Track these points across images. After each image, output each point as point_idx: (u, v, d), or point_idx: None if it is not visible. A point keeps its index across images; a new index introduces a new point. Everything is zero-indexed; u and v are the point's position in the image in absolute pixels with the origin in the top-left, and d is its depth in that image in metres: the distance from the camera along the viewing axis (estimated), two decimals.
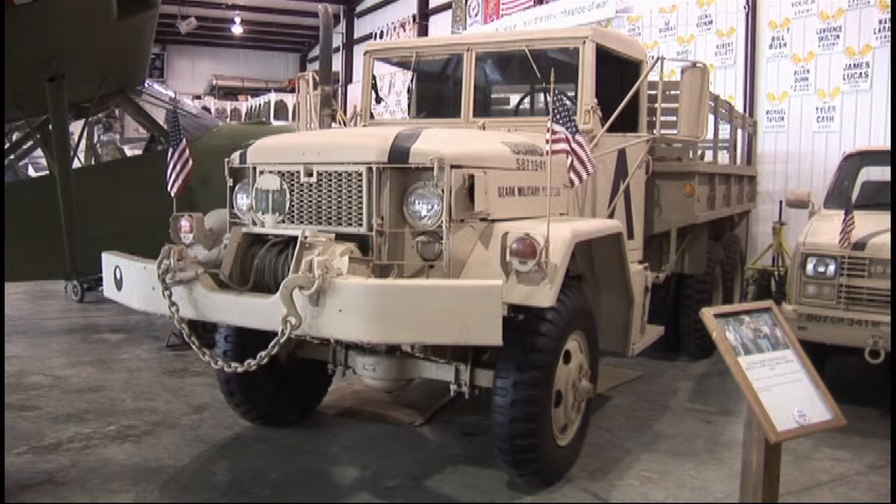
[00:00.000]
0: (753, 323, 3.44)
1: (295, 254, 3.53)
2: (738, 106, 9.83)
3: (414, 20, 19.24)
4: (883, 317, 4.93)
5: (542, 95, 6.54)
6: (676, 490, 4.18)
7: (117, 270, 4.21)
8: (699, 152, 7.21)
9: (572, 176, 4.00)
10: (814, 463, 4.57)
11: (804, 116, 9.76)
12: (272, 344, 3.46)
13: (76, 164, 8.51)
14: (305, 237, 3.59)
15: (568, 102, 5.33)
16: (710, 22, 10.93)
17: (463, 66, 5.43)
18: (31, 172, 11.71)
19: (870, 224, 5.30)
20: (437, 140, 3.95)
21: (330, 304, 3.32)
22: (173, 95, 11.95)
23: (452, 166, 3.75)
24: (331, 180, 3.90)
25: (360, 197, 3.81)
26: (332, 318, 3.32)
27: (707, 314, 3.36)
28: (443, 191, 3.72)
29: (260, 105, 24.99)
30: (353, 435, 4.97)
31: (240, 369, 3.66)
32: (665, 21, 11.56)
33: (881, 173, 7.11)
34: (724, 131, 8.04)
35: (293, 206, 4.01)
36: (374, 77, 6.10)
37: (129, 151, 11.82)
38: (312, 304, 3.33)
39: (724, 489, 4.17)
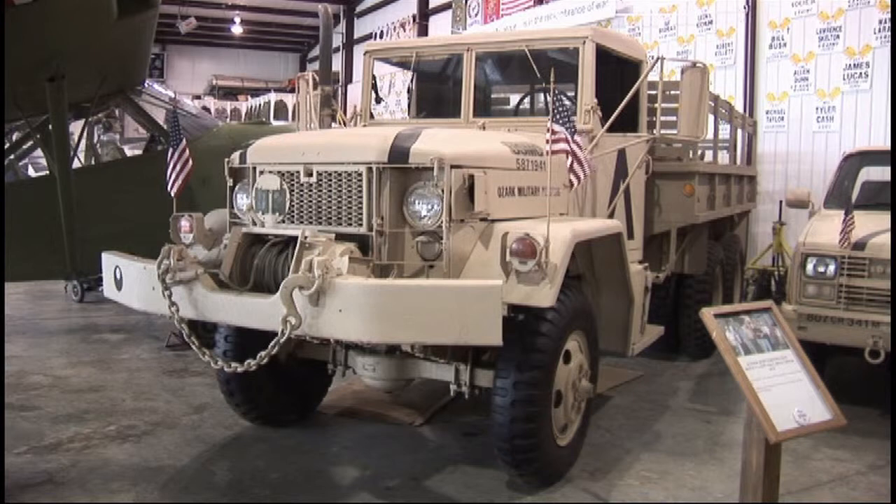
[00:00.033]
0: (753, 323, 3.44)
1: (295, 254, 3.53)
2: (738, 106, 9.83)
3: (414, 20, 19.25)
4: (883, 317, 4.93)
5: (542, 95, 6.54)
6: (676, 490, 4.18)
7: (117, 270, 4.21)
8: (699, 152, 7.21)
9: (571, 177, 4.00)
10: (814, 463, 4.57)
11: (804, 116, 9.76)
12: (272, 344, 3.46)
13: (76, 164, 8.51)
14: (305, 237, 3.59)
15: (567, 102, 5.34)
16: (710, 22, 10.93)
17: (463, 66, 5.43)
18: (31, 172, 11.71)
19: (870, 224, 5.30)
20: (437, 140, 3.95)
21: (330, 304, 3.32)
22: (173, 95, 11.95)
23: (452, 166, 3.75)
24: (331, 180, 3.90)
25: (360, 197, 3.81)
26: (332, 318, 3.32)
27: (707, 314, 3.36)
28: (443, 191, 3.72)
29: (260, 105, 24.99)
30: (353, 435, 4.97)
31: (240, 369, 3.66)
32: (665, 21, 11.56)
33: (881, 173, 7.11)
34: (724, 131, 8.04)
35: (293, 206, 4.01)
36: (374, 77, 6.10)
37: (129, 151, 11.82)
38: (312, 304, 3.33)
39: (724, 489, 4.17)
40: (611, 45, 5.35)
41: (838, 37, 9.33)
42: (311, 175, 3.95)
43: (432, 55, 5.84)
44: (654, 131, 5.25)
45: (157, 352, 7.16)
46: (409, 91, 6.99)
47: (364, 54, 6.04)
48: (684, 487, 4.22)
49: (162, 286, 3.75)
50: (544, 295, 3.61)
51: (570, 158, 3.87)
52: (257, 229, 4.03)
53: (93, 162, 10.28)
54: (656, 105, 5.14)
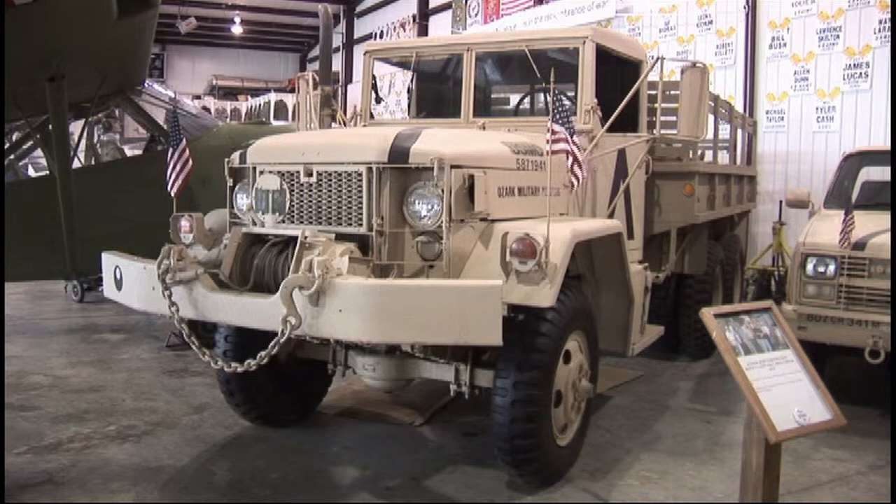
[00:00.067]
0: (753, 323, 3.44)
1: (295, 254, 3.53)
2: (738, 106, 9.83)
3: (414, 20, 19.25)
4: (883, 317, 4.93)
5: (542, 95, 6.54)
6: (676, 490, 4.18)
7: (117, 270, 4.21)
8: (699, 152, 7.21)
9: (571, 177, 4.00)
10: (814, 463, 4.57)
11: (804, 116, 9.76)
12: (272, 344, 3.46)
13: (76, 164, 8.51)
14: (305, 237, 3.59)
15: (567, 102, 5.34)
16: (710, 22, 10.93)
17: (463, 66, 5.43)
18: (31, 172, 11.71)
19: (870, 224, 5.30)
20: (437, 140, 3.95)
21: (330, 304, 3.32)
22: (173, 95, 11.95)
23: (452, 166, 3.75)
24: (331, 180, 3.90)
25: (360, 197, 3.81)
26: (332, 318, 3.32)
27: (707, 314, 3.36)
28: (443, 191, 3.72)
29: (260, 105, 24.99)
30: (353, 435, 4.97)
31: (240, 369, 3.66)
32: (665, 21, 11.56)
33: (881, 173, 7.11)
34: (724, 131, 8.04)
35: (293, 206, 4.01)
36: (374, 77, 6.10)
37: (129, 151, 11.82)
38: (312, 304, 3.33)
39: (724, 489, 4.17)
40: (611, 45, 5.35)
41: (838, 37, 9.33)
42: (311, 175, 3.95)
43: (432, 55, 5.84)
44: (654, 131, 5.25)
45: (157, 352, 7.16)
46: (409, 91, 6.99)
47: (364, 54, 6.04)
48: (684, 487, 4.22)
49: (162, 286, 3.75)
50: (544, 295, 3.61)
51: (570, 158, 3.88)
52: (257, 229, 4.03)
53: (93, 162, 10.27)
54: (656, 105, 5.14)
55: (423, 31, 18.93)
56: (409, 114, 6.86)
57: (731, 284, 7.66)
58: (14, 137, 9.12)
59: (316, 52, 26.06)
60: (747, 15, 10.36)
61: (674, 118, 5.60)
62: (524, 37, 5.50)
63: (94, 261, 4.77)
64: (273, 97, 24.60)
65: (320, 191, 3.94)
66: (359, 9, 23.51)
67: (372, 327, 3.28)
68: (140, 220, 7.02)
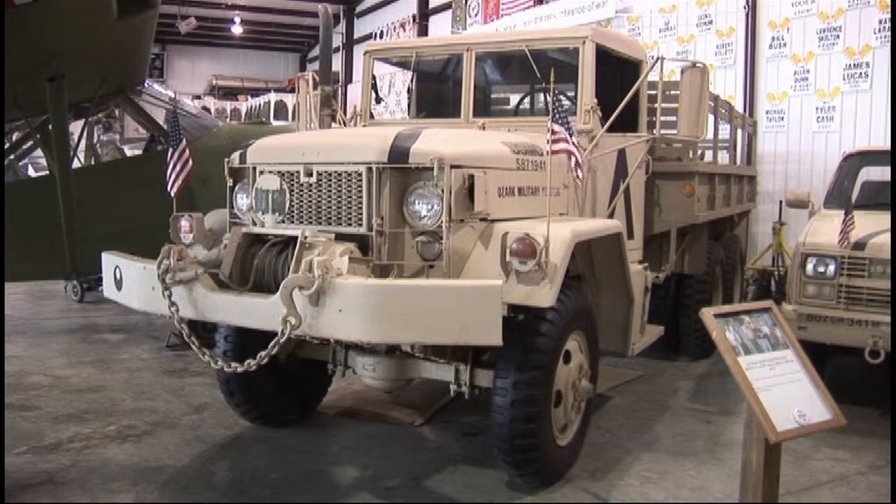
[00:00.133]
0: (753, 323, 3.44)
1: (295, 254, 3.53)
2: (738, 106, 9.83)
3: (414, 20, 19.25)
4: (883, 317, 4.93)
5: (541, 95, 6.54)
6: (676, 490, 4.18)
7: (117, 270, 4.21)
8: (699, 152, 7.21)
9: (573, 177, 4.00)
10: (814, 463, 4.57)
11: (804, 116, 9.76)
12: (272, 344, 3.46)
13: (76, 164, 8.51)
14: (305, 237, 3.59)
15: (567, 103, 5.34)
16: (710, 22, 10.93)
17: (463, 66, 5.43)
18: (31, 172, 11.72)
19: (870, 224, 5.30)
20: (437, 140, 3.95)
21: (330, 304, 3.32)
22: (173, 95, 11.95)
23: (452, 166, 3.75)
24: (331, 180, 3.90)
25: (360, 197, 3.81)
26: (332, 318, 3.32)
27: (707, 314, 3.36)
28: (443, 191, 3.72)
29: (260, 105, 24.99)
30: (353, 435, 4.97)
31: (240, 369, 3.66)
32: (665, 21, 11.56)
33: (881, 173, 7.11)
34: (724, 131, 8.04)
35: (293, 206, 4.01)
36: (374, 77, 6.10)
37: (129, 151, 11.82)
38: (312, 304, 3.33)
39: (724, 489, 4.17)
40: (611, 45, 5.35)
41: (838, 37, 9.33)
42: (311, 175, 3.95)
43: (432, 55, 5.84)
44: (654, 131, 5.25)
45: (157, 352, 7.16)
46: (409, 91, 6.99)
47: (364, 54, 6.04)
48: (684, 487, 4.22)
49: (162, 286, 3.75)
50: (544, 295, 3.61)
51: (572, 159, 3.88)
52: (257, 229, 4.03)
53: (93, 162, 10.28)
54: (656, 105, 5.14)
55: (423, 31, 18.94)
56: (409, 114, 6.86)
57: (731, 284, 7.66)
58: (14, 137, 9.12)
59: (316, 52, 26.07)
60: (747, 15, 10.37)
61: (674, 118, 5.60)
62: (524, 37, 5.50)
63: (94, 261, 4.78)
64: (273, 97, 24.60)
65: (320, 191, 3.93)
66: (359, 9, 23.51)
67: (372, 327, 3.28)
68: (140, 220, 7.02)
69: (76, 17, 6.09)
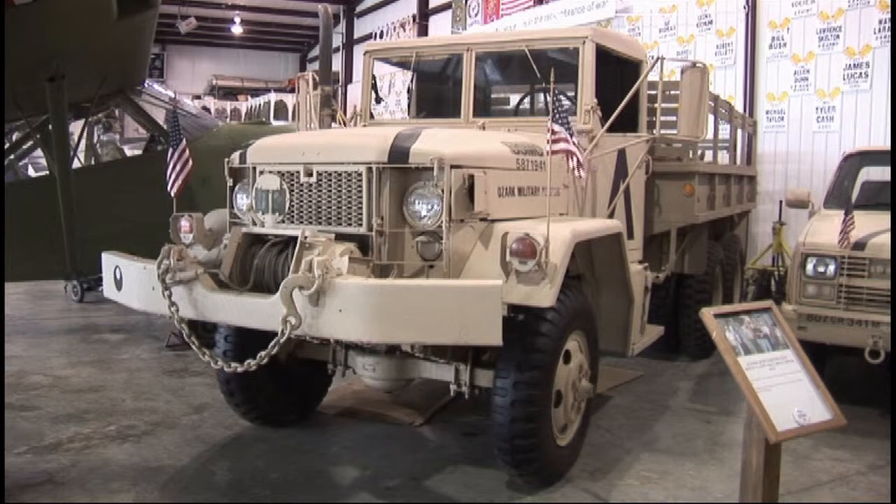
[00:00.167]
0: (753, 323, 3.44)
1: (295, 254, 3.53)
2: (738, 106, 9.83)
3: (414, 20, 19.25)
4: (883, 317, 4.93)
5: (542, 95, 6.54)
6: (676, 490, 4.18)
7: (117, 270, 4.21)
8: (699, 152, 7.21)
9: (577, 175, 4.00)
10: (814, 463, 4.57)
11: (804, 116, 9.76)
12: (272, 344, 3.46)
13: (76, 164, 8.51)
14: (305, 237, 3.59)
15: (567, 103, 5.34)
16: (710, 22, 10.93)
17: (463, 66, 5.43)
18: (31, 172, 11.71)
19: (870, 224, 5.30)
20: (437, 140, 3.95)
21: (330, 304, 3.32)
22: (173, 95, 11.95)
23: (452, 166, 3.75)
24: (331, 180, 3.90)
25: (360, 197, 3.81)
26: (332, 318, 3.32)
27: (707, 314, 3.36)
28: (443, 191, 3.72)
29: (260, 105, 24.99)
30: (353, 435, 4.97)
31: (240, 369, 3.66)
32: (665, 21, 11.56)
33: (881, 173, 7.11)
34: (724, 131, 8.04)
35: (293, 206, 4.01)
36: (374, 77, 6.10)
37: (129, 151, 11.82)
38: (312, 304, 3.33)
39: (724, 489, 4.17)
40: (611, 45, 5.35)
41: (838, 37, 9.33)
42: (311, 175, 3.94)
43: (432, 55, 5.84)
44: (654, 131, 5.25)
45: (157, 352, 7.16)
46: (409, 91, 6.99)
47: (364, 54, 6.04)
48: (684, 487, 4.22)
49: (162, 286, 3.75)
50: (544, 295, 3.61)
51: (573, 159, 3.87)
52: (257, 229, 4.03)
53: (93, 162, 10.28)
54: (656, 105, 5.14)
55: (423, 31, 18.94)
56: (409, 114, 6.86)
57: (731, 284, 7.66)
58: (14, 137, 9.12)
59: (316, 52, 26.07)
60: (747, 15, 10.37)
61: (674, 118, 5.60)
62: (524, 37, 5.50)
63: (94, 261, 4.78)
64: (273, 97, 24.60)
65: (320, 191, 3.93)
66: (359, 9, 23.51)
67: (372, 327, 3.28)
68: (140, 220, 7.02)
69: (76, 17, 6.09)
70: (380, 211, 3.78)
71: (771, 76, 10.16)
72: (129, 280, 4.11)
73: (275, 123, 13.85)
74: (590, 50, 5.06)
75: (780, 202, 9.30)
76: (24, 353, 7.09)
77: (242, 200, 4.32)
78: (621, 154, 5.37)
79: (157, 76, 28.32)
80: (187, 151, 4.32)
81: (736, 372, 3.22)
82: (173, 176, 4.30)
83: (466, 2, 16.83)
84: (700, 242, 6.73)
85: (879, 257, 5.02)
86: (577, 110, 5.04)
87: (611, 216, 5.27)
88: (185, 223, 4.26)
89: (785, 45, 9.95)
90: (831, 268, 5.15)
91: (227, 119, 24.45)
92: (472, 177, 3.82)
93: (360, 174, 3.81)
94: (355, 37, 23.67)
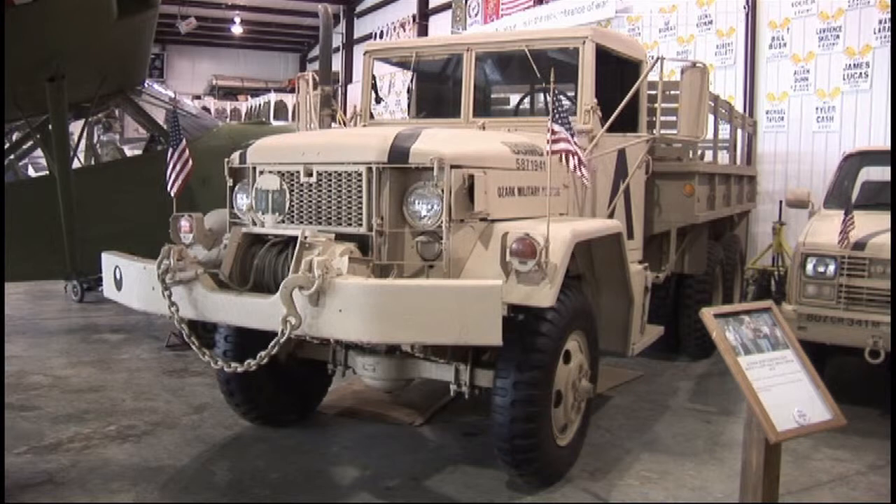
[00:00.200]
0: (753, 323, 3.44)
1: (295, 254, 3.53)
2: (738, 106, 9.83)
3: (414, 20, 19.25)
4: (883, 317, 4.93)
5: (541, 95, 6.54)
6: (676, 490, 4.18)
7: (117, 270, 4.21)
8: (699, 152, 7.21)
9: (583, 179, 4.00)
10: (814, 463, 4.57)
11: (804, 116, 9.77)
12: (272, 344, 3.46)
13: (76, 164, 8.51)
14: (305, 237, 3.59)
15: (567, 103, 5.34)
16: (710, 22, 10.94)
17: (463, 66, 5.43)
18: (31, 172, 11.72)
19: (870, 224, 5.30)
20: (437, 140, 3.95)
21: (330, 304, 3.32)
22: (173, 95, 11.95)
23: (452, 166, 3.75)
24: (331, 180, 3.90)
25: (360, 197, 3.81)
26: (332, 318, 3.32)
27: (707, 314, 3.36)
28: (443, 191, 3.72)
29: (260, 105, 24.99)
30: (353, 435, 4.97)
31: (240, 369, 3.66)
32: (665, 21, 11.56)
33: (881, 173, 7.11)
34: (724, 131, 8.04)
35: (293, 206, 4.01)
36: (374, 77, 6.10)
37: (129, 151, 11.82)
38: (312, 304, 3.33)
39: (724, 489, 4.17)
40: (611, 45, 5.35)
41: (838, 37, 9.33)
42: (310, 175, 3.95)
43: (432, 55, 5.84)
44: (654, 131, 5.25)
45: (157, 352, 7.16)
46: (409, 91, 6.99)
47: (364, 54, 6.04)
48: (684, 487, 4.22)
49: (162, 286, 3.75)
50: (544, 295, 3.61)
51: (574, 159, 3.87)
52: (257, 229, 4.03)
53: (93, 162, 10.28)
54: (656, 105, 5.14)
55: (423, 31, 18.94)
56: (409, 114, 6.86)
57: (731, 284, 7.66)
58: (14, 137, 9.12)
59: (316, 52, 26.07)
60: (747, 15, 10.37)
61: (674, 118, 5.60)
62: (524, 37, 5.50)
63: (94, 261, 4.77)
64: (273, 97, 24.60)
65: (320, 191, 3.93)
66: (359, 9, 23.51)
67: (372, 327, 3.28)
68: (140, 220, 7.03)
69: (76, 17, 6.09)
70: (380, 211, 3.78)
71: (771, 76, 10.16)
72: (129, 280, 4.11)
73: (275, 123, 13.85)
74: (590, 50, 5.06)
75: (780, 202, 9.30)
76: (24, 353, 7.09)
77: (242, 200, 4.32)
78: (621, 154, 5.37)
79: (157, 76, 28.32)
80: (187, 151, 4.32)
81: (736, 372, 3.22)
82: (173, 176, 4.30)
83: (466, 2, 16.83)
84: (700, 242, 6.73)
85: (879, 257, 5.02)
86: (577, 110, 5.04)
87: (611, 216, 5.27)
88: (185, 223, 4.26)
89: (785, 45, 9.96)
90: (831, 268, 5.15)
91: (227, 119, 24.45)
92: (472, 177, 3.82)
93: (360, 174, 3.81)
94: (355, 37, 23.68)
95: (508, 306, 3.62)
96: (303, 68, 29.72)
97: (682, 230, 6.41)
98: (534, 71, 5.14)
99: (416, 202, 3.79)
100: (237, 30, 26.75)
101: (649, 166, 5.79)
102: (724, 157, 7.95)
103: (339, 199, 3.88)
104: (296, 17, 26.01)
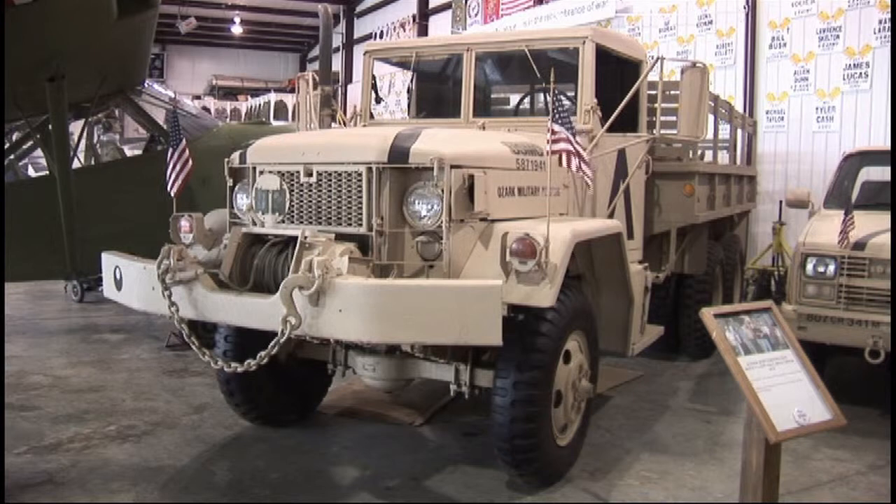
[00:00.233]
0: (753, 323, 3.44)
1: (295, 254, 3.53)
2: (738, 106, 9.83)
3: (414, 20, 19.25)
4: (883, 317, 4.93)
5: (542, 95, 6.54)
6: (676, 490, 4.18)
7: (117, 270, 4.21)
8: (699, 152, 7.21)
9: (585, 179, 4.00)
10: (814, 463, 4.57)
11: (804, 116, 9.77)
12: (272, 344, 3.46)
13: (76, 164, 8.51)
14: (305, 237, 3.59)
15: (567, 103, 5.34)
16: (710, 22, 10.94)
17: (463, 66, 5.43)
18: (31, 172, 11.72)
19: (870, 224, 5.30)
20: (437, 140, 3.95)
21: (330, 304, 3.32)
22: (173, 95, 11.95)
23: (452, 166, 3.75)
24: (331, 180, 3.90)
25: (360, 197, 3.81)
26: (331, 318, 3.32)
27: (707, 314, 3.36)
28: (443, 191, 3.72)
29: (260, 105, 24.99)
30: (353, 435, 4.97)
31: (240, 369, 3.66)
32: (665, 21, 11.56)
33: (881, 173, 7.11)
34: (724, 131, 8.04)
35: (293, 206, 4.01)
36: (374, 77, 6.10)
37: (129, 151, 11.82)
38: (312, 304, 3.33)
39: (724, 489, 4.17)
40: (611, 45, 5.35)
41: (838, 37, 9.33)
42: (310, 175, 3.95)
43: (432, 55, 5.84)
44: (654, 131, 5.25)
45: (157, 352, 7.16)
46: (409, 91, 6.99)
47: (364, 54, 6.04)
48: (684, 487, 4.22)
49: (162, 286, 3.75)
50: (544, 295, 3.61)
51: (576, 159, 3.86)
52: (257, 229, 4.03)
53: (93, 162, 10.28)
54: (656, 105, 5.14)
55: (423, 31, 18.94)
56: (409, 114, 6.86)
57: (731, 284, 7.66)
58: (14, 137, 9.12)
59: (316, 52, 26.06)
60: (747, 15, 10.37)
61: (674, 118, 5.60)
62: (524, 37, 5.50)
63: (94, 261, 4.77)
64: (273, 97, 24.60)
65: (320, 191, 3.93)
66: (359, 9, 23.51)
67: (372, 327, 3.28)
68: (140, 220, 7.03)
69: (76, 17, 6.09)
70: (380, 211, 3.78)
71: (771, 76, 10.17)
72: (129, 280, 4.11)
73: (275, 123, 13.85)
74: (590, 50, 5.06)
75: (780, 202, 9.30)
76: (24, 353, 7.09)
77: (242, 200, 4.32)
78: (621, 154, 5.37)
79: (157, 76, 28.32)
80: (187, 151, 4.32)
81: (736, 372, 3.22)
82: (173, 176, 4.30)
83: (466, 2, 16.83)
84: (700, 242, 6.73)
85: (879, 257, 5.02)
86: (577, 110, 5.04)
87: (611, 216, 5.27)
88: (185, 223, 4.26)
89: (785, 45, 9.96)
90: (831, 268, 5.15)
91: (227, 119, 24.45)
92: (472, 177, 3.82)
93: (360, 174, 3.81)
94: (355, 37, 23.68)
95: (508, 306, 3.62)
96: (303, 68, 29.72)
97: (682, 230, 6.41)
98: (534, 71, 5.14)
99: (416, 202, 3.79)
100: (237, 30, 26.75)
101: (649, 166, 5.79)
102: (724, 157, 7.96)
103: (339, 199, 3.88)
104: (296, 17, 26.01)
